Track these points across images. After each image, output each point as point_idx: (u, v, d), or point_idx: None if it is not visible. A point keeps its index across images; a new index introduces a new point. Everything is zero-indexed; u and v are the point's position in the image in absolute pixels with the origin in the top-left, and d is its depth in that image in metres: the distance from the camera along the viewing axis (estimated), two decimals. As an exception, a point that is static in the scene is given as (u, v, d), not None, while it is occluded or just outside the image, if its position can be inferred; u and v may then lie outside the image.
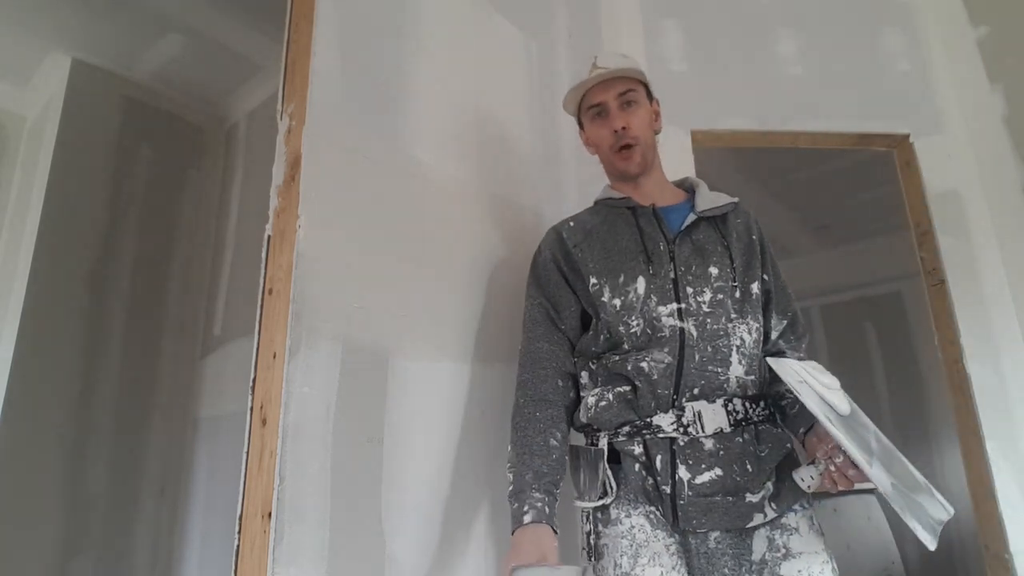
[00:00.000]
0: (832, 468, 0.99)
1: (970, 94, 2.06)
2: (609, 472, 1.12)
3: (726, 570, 1.05)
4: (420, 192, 1.38)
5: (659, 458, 1.08)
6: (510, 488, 1.11)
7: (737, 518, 1.06)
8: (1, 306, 2.49)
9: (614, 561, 1.05)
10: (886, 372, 4.58)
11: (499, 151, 1.65)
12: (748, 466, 1.08)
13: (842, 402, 0.99)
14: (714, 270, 1.18)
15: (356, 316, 1.18)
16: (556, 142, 1.87)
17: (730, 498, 1.06)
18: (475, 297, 1.45)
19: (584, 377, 1.22)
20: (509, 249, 1.56)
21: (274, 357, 1.08)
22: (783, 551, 1.05)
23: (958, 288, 1.88)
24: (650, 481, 1.09)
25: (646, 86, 1.30)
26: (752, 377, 1.15)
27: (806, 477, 1.03)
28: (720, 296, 1.16)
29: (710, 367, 1.11)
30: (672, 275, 1.17)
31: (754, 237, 1.27)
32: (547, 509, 1.07)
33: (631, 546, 1.05)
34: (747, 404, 1.13)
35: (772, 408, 1.20)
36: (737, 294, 1.18)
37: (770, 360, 1.07)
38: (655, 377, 1.11)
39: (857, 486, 1.00)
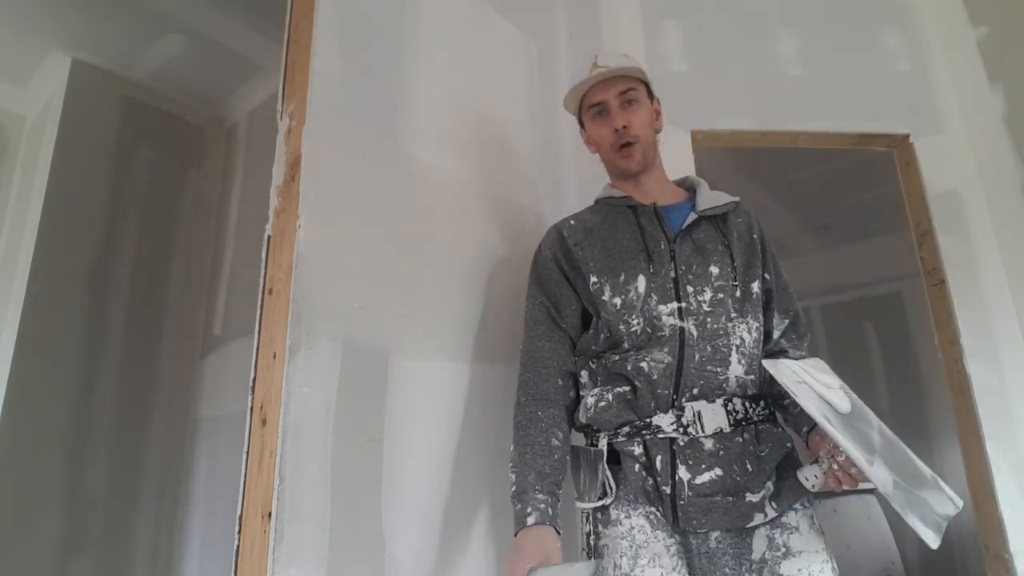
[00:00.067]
0: (835, 467, 0.99)
1: (970, 94, 2.06)
2: (609, 473, 1.11)
3: (727, 569, 1.05)
4: (420, 192, 1.38)
5: (659, 458, 1.08)
6: (512, 489, 1.10)
7: (737, 518, 1.06)
8: (1, 306, 2.49)
9: (614, 562, 1.05)
10: (886, 372, 4.58)
11: (499, 151, 1.65)
12: (748, 466, 1.08)
13: (842, 400, 0.98)
14: (715, 269, 1.18)
15: (356, 316, 1.18)
16: (556, 142, 1.87)
17: (730, 498, 1.06)
18: (475, 297, 1.45)
19: (584, 376, 1.22)
20: (509, 249, 1.56)
21: (274, 357, 1.08)
22: (783, 550, 1.05)
23: (958, 288, 1.87)
24: (650, 482, 1.09)
25: (647, 85, 1.31)
26: (752, 377, 1.15)
27: (810, 476, 1.03)
28: (721, 295, 1.16)
29: (709, 367, 1.11)
30: (673, 274, 1.17)
31: (755, 236, 1.27)
32: (550, 510, 1.07)
33: (631, 547, 1.05)
34: (747, 404, 1.13)
35: (773, 407, 1.20)
36: (738, 293, 1.18)
37: (766, 362, 1.07)
38: (655, 377, 1.11)
39: (859, 486, 0.99)
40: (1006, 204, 1.95)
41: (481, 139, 1.59)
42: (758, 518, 1.07)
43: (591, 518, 1.14)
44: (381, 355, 1.22)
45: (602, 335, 1.19)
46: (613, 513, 1.09)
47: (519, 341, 1.29)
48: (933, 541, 0.88)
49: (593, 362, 1.21)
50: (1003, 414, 1.78)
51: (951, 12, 2.15)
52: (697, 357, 1.11)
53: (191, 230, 2.99)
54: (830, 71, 2.06)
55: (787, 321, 1.26)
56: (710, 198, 1.28)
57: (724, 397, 1.12)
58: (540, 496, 1.07)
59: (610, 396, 1.14)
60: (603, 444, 1.14)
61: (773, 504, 1.08)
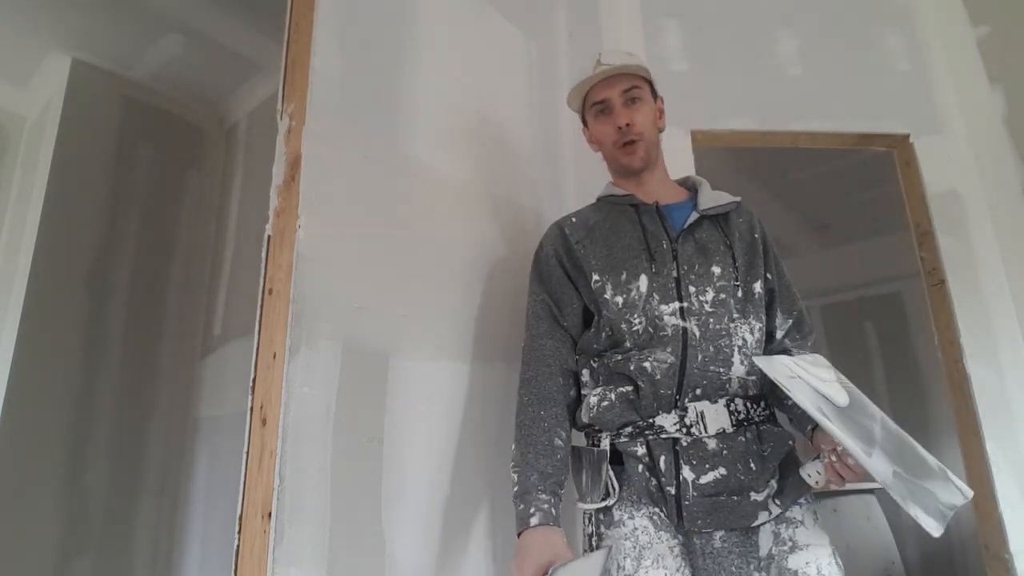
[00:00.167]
0: (832, 458, 0.99)
1: (970, 94, 2.06)
2: (612, 473, 1.11)
3: (733, 568, 1.05)
4: (420, 192, 1.38)
5: (662, 459, 1.08)
6: (515, 489, 1.10)
7: (742, 517, 1.06)
8: (1, 306, 2.49)
9: (617, 563, 1.04)
10: (886, 372, 4.58)
11: (499, 151, 1.65)
12: (752, 465, 1.08)
13: (839, 394, 0.98)
14: (716, 269, 1.18)
15: (356, 316, 1.18)
16: (556, 142, 1.87)
17: (735, 497, 1.06)
18: (475, 297, 1.45)
19: (585, 375, 1.22)
20: (509, 249, 1.56)
21: (274, 357, 1.08)
22: (790, 543, 1.05)
23: (958, 288, 1.87)
24: (653, 482, 1.08)
25: (650, 83, 1.30)
26: (753, 377, 1.15)
27: (812, 473, 1.03)
28: (723, 296, 1.16)
29: (712, 367, 1.11)
30: (675, 274, 1.17)
31: (756, 236, 1.27)
32: (553, 511, 1.06)
33: (634, 548, 1.04)
34: (748, 404, 1.13)
35: (775, 408, 1.20)
36: (739, 294, 1.18)
37: (758, 360, 1.07)
38: (658, 377, 1.10)
39: (858, 486, 0.99)
40: (1006, 204, 1.95)
41: (481, 139, 1.59)
42: (762, 516, 1.06)
43: (593, 519, 1.13)
44: (381, 355, 1.22)
45: (604, 334, 1.19)
46: (616, 514, 1.09)
47: (519, 341, 1.29)
48: (936, 530, 0.87)
49: (595, 361, 1.20)
50: (1003, 414, 1.78)
51: (951, 12, 2.15)
52: (700, 357, 1.11)
53: (191, 230, 2.99)
54: (830, 71, 2.06)
55: (790, 321, 1.26)
56: (712, 198, 1.27)
57: (726, 397, 1.12)
58: (543, 496, 1.06)
59: (613, 396, 1.14)
60: (605, 444, 1.13)
61: (776, 502, 1.08)
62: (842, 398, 0.98)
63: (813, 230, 4.61)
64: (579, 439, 1.22)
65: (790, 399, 1.16)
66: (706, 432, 1.09)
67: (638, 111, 1.26)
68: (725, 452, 1.08)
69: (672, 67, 2.02)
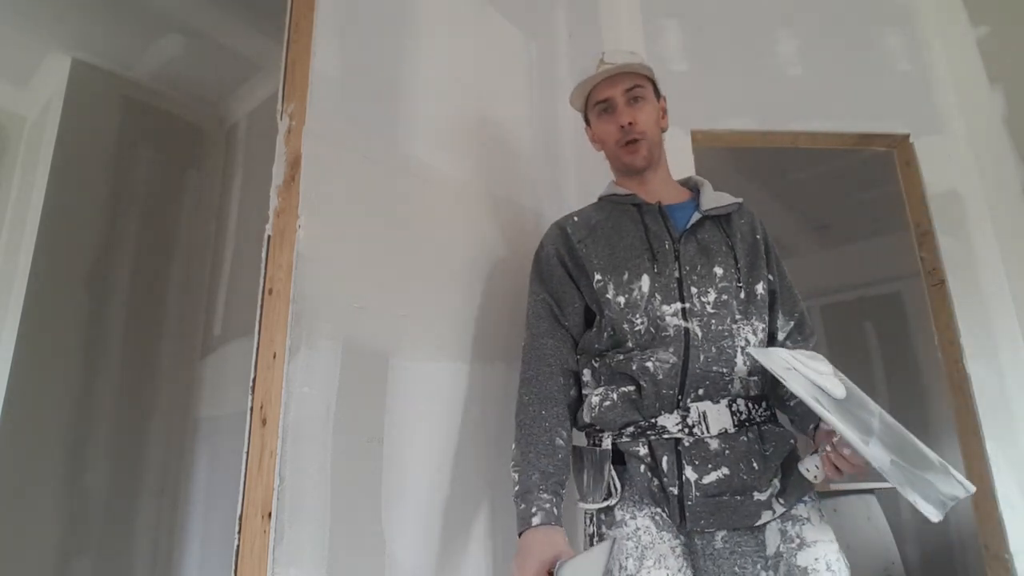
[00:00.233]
0: (828, 448, 0.99)
1: (970, 94, 2.06)
2: (614, 473, 1.11)
3: (736, 569, 1.05)
4: (420, 192, 1.38)
5: (665, 459, 1.08)
6: (516, 488, 1.09)
7: (746, 517, 1.06)
8: (1, 306, 2.49)
9: (619, 563, 1.04)
10: (886, 372, 4.58)
11: (499, 151, 1.65)
12: (755, 464, 1.08)
13: (836, 386, 0.97)
14: (719, 270, 1.18)
15: (356, 316, 1.18)
16: (556, 142, 1.87)
17: (738, 497, 1.06)
18: (475, 297, 1.45)
19: (586, 375, 1.22)
20: (509, 249, 1.56)
21: (274, 357, 1.08)
22: (797, 541, 1.05)
23: (958, 288, 1.88)
24: (655, 482, 1.08)
25: (653, 83, 1.30)
26: (755, 378, 1.15)
27: (811, 467, 1.02)
28: (725, 297, 1.16)
29: (715, 368, 1.11)
30: (677, 274, 1.17)
31: (758, 237, 1.27)
32: (555, 510, 1.06)
33: (636, 548, 1.04)
34: (750, 404, 1.13)
35: (777, 409, 1.20)
36: (742, 295, 1.18)
37: (754, 351, 1.07)
38: (660, 377, 1.10)
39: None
40: (1006, 204, 1.95)
41: (481, 139, 1.59)
42: (766, 516, 1.06)
43: (595, 519, 1.13)
44: (381, 355, 1.22)
45: (605, 334, 1.18)
46: (618, 514, 1.09)
47: (519, 341, 1.29)
48: (934, 515, 0.86)
49: (596, 361, 1.20)
50: (1003, 414, 1.78)
51: (951, 12, 2.15)
52: (702, 358, 1.11)
53: (191, 230, 2.99)
54: (830, 71, 2.06)
55: (792, 323, 1.26)
56: (714, 198, 1.27)
57: (728, 398, 1.12)
58: (545, 496, 1.06)
59: (615, 396, 1.14)
60: (607, 444, 1.13)
61: (780, 500, 1.08)
62: (839, 391, 0.97)
63: (813, 230, 4.61)
64: (580, 439, 1.21)
65: (792, 400, 1.17)
66: (708, 432, 1.09)
67: (641, 110, 1.26)
68: (727, 452, 1.08)
69: (672, 67, 2.02)
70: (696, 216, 1.23)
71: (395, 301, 1.27)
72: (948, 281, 1.88)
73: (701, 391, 1.11)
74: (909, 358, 4.45)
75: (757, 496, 1.06)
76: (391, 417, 1.20)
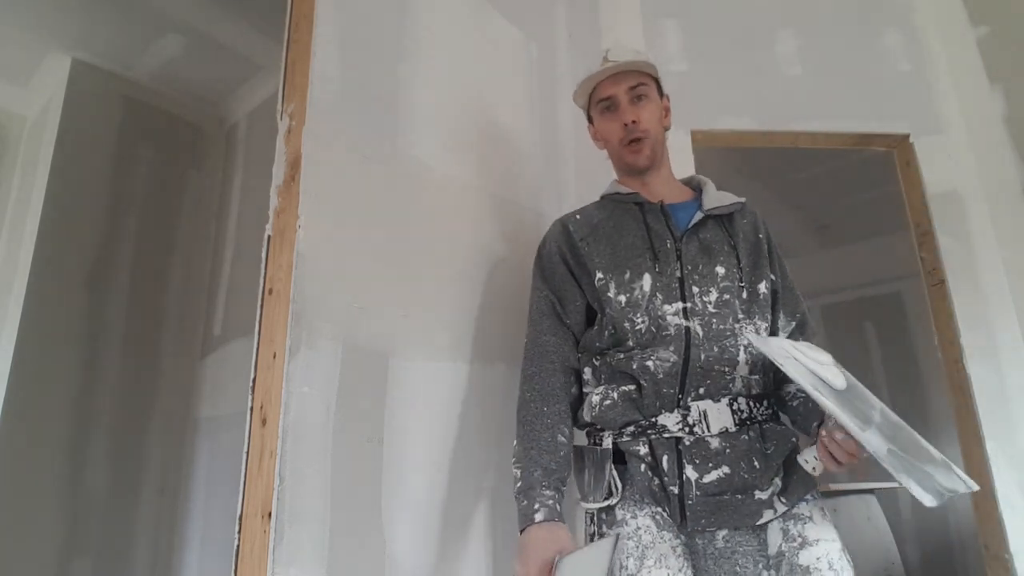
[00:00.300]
0: (823, 433, 0.98)
1: (970, 94, 2.06)
2: (615, 473, 1.11)
3: (737, 568, 1.04)
4: (420, 192, 1.38)
5: (665, 458, 1.08)
6: (518, 485, 1.09)
7: (747, 516, 1.05)
8: (1, 306, 2.49)
9: (620, 562, 1.04)
10: (886, 372, 4.58)
11: (499, 151, 1.65)
12: (755, 463, 1.08)
13: (836, 377, 0.97)
14: (720, 270, 1.18)
15: (356, 316, 1.18)
16: (556, 142, 1.87)
17: (739, 496, 1.05)
18: (475, 297, 1.45)
19: (587, 373, 1.22)
20: (509, 249, 1.56)
21: (274, 357, 1.08)
22: (799, 540, 1.04)
23: (958, 288, 1.87)
24: (656, 482, 1.08)
25: (657, 81, 1.30)
26: (756, 376, 1.15)
27: (810, 459, 1.02)
28: (727, 296, 1.16)
29: (716, 367, 1.11)
30: (678, 274, 1.17)
31: (761, 236, 1.26)
32: (557, 506, 1.06)
33: (637, 547, 1.04)
34: (751, 403, 1.13)
35: (779, 409, 1.20)
36: (744, 295, 1.17)
37: (754, 338, 1.06)
38: (660, 376, 1.10)
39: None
40: (1006, 204, 1.95)
41: (481, 139, 1.59)
42: (767, 514, 1.06)
43: (596, 518, 1.13)
44: (381, 355, 1.22)
45: (606, 332, 1.18)
46: (619, 513, 1.09)
47: (519, 341, 1.29)
48: (929, 501, 0.86)
49: (597, 359, 1.20)
50: (1003, 414, 1.77)
51: (951, 12, 2.15)
52: (703, 357, 1.11)
53: (191, 230, 2.99)
54: (830, 71, 2.06)
55: (793, 323, 1.26)
56: (717, 198, 1.27)
57: (729, 396, 1.12)
58: (547, 492, 1.06)
59: (615, 394, 1.14)
60: (608, 443, 1.13)
61: (782, 499, 1.08)
62: (839, 382, 0.97)
63: (813, 230, 4.61)
64: (580, 438, 1.21)
65: (794, 400, 1.16)
66: (709, 431, 1.09)
67: (644, 108, 1.25)
68: (728, 451, 1.08)
69: (672, 67, 2.02)
70: (698, 215, 1.23)
71: (395, 301, 1.27)
72: (948, 281, 1.88)
73: (702, 390, 1.11)
74: (909, 358, 4.45)
75: (758, 495, 1.06)
76: (391, 417, 1.20)
